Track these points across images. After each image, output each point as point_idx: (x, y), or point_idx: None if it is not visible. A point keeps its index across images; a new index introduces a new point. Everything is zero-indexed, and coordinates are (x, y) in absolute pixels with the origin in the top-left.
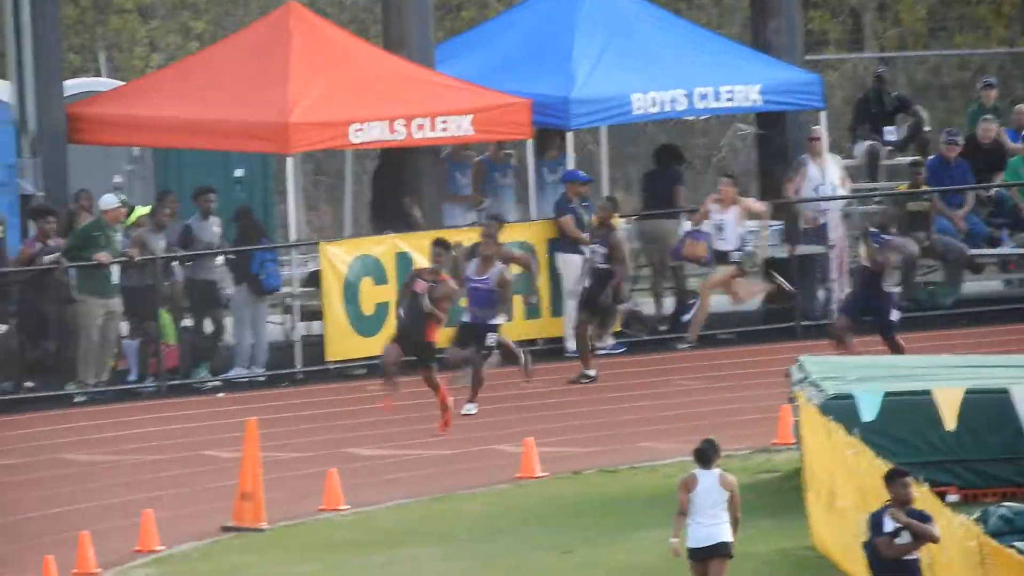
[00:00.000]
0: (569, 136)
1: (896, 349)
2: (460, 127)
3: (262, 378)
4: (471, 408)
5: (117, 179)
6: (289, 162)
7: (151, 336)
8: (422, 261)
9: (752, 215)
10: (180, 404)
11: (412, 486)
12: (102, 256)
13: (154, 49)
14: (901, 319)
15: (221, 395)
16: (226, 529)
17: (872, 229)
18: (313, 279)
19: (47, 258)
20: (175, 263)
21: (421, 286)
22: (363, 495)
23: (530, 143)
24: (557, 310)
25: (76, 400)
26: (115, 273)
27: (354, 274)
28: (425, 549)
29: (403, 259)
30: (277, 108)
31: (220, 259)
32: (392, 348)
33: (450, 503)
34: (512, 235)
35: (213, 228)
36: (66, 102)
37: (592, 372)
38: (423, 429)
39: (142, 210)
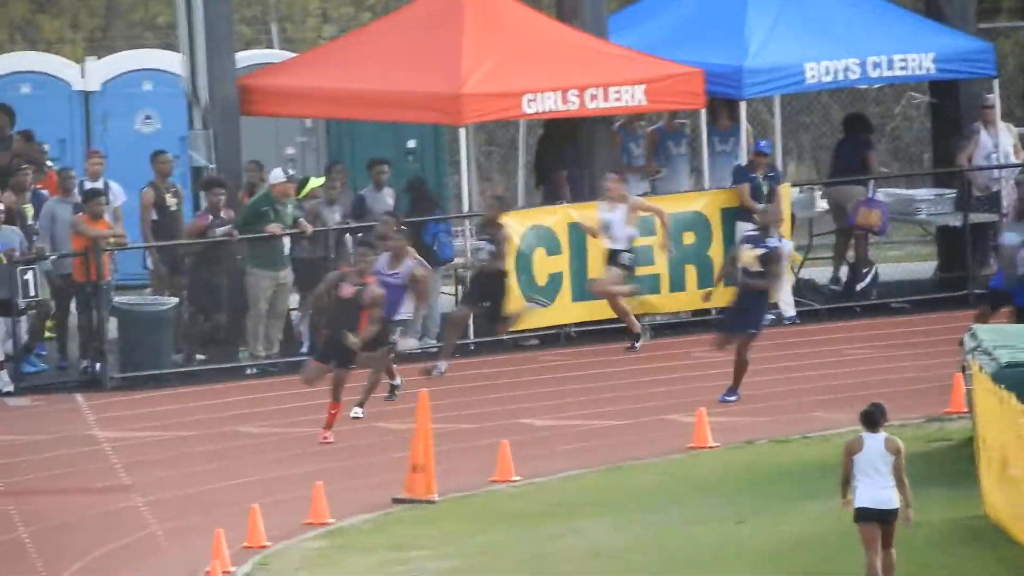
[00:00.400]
0: (742, 105)
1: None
2: (633, 97)
3: (434, 349)
4: (359, 412)
5: (289, 151)
6: (462, 133)
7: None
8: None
9: (639, 214)
10: (353, 376)
11: (584, 457)
12: (274, 228)
13: (326, 20)
14: None
15: (394, 366)
16: (397, 501)
17: (751, 232)
18: None
19: (219, 230)
20: (347, 235)
21: (348, 290)
22: (535, 466)
23: (703, 113)
24: (728, 279)
25: (248, 372)
26: (286, 245)
27: (527, 244)
28: (597, 520)
29: (575, 229)
30: (450, 79)
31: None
32: (313, 366)
33: (622, 474)
34: (685, 204)
35: (386, 199)
36: (238, 74)
37: (442, 365)
38: (594, 400)
39: (316, 182)
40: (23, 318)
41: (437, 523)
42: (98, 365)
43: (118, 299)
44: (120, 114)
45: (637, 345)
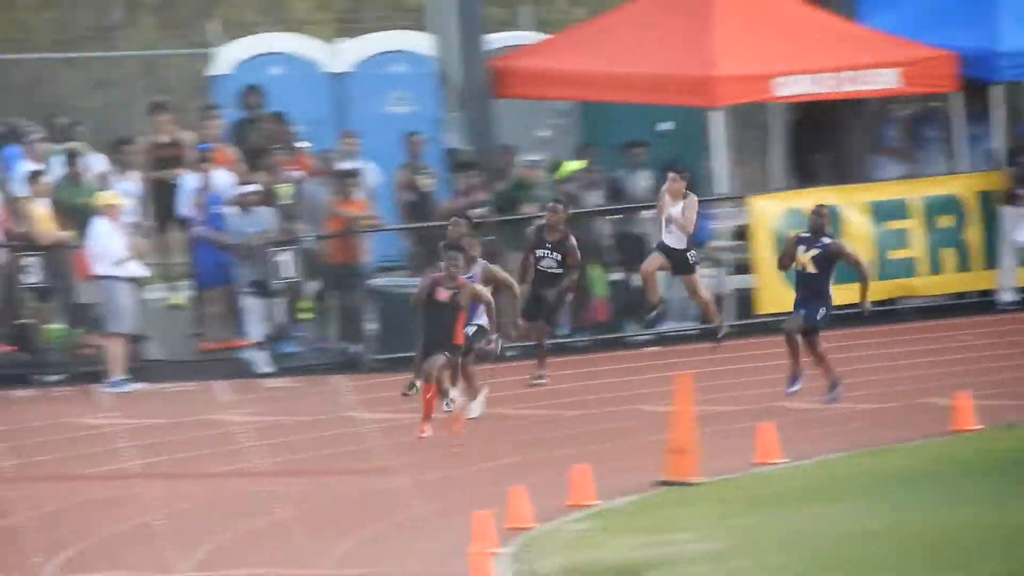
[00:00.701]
0: (996, 89)
1: (815, 351)
2: (887, 80)
3: (694, 332)
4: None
5: (543, 133)
6: (715, 115)
7: (582, 291)
8: (851, 215)
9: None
10: (611, 358)
11: (844, 439)
12: (527, 208)
13: (576, 3)
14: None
15: (652, 349)
16: (660, 483)
17: (804, 234)
18: (742, 232)
19: (472, 212)
20: (602, 217)
21: (444, 294)
22: (795, 448)
23: (956, 96)
24: (991, 262)
25: (508, 355)
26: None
27: (783, 227)
28: (859, 502)
29: (832, 213)
30: (702, 61)
31: (649, 212)
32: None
33: (883, 456)
34: (940, 188)
35: (642, 182)
36: (490, 56)
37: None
38: (851, 383)
39: (573, 165)
40: (279, 299)
41: (700, 505)
42: (356, 346)
43: (375, 281)
44: (370, 95)
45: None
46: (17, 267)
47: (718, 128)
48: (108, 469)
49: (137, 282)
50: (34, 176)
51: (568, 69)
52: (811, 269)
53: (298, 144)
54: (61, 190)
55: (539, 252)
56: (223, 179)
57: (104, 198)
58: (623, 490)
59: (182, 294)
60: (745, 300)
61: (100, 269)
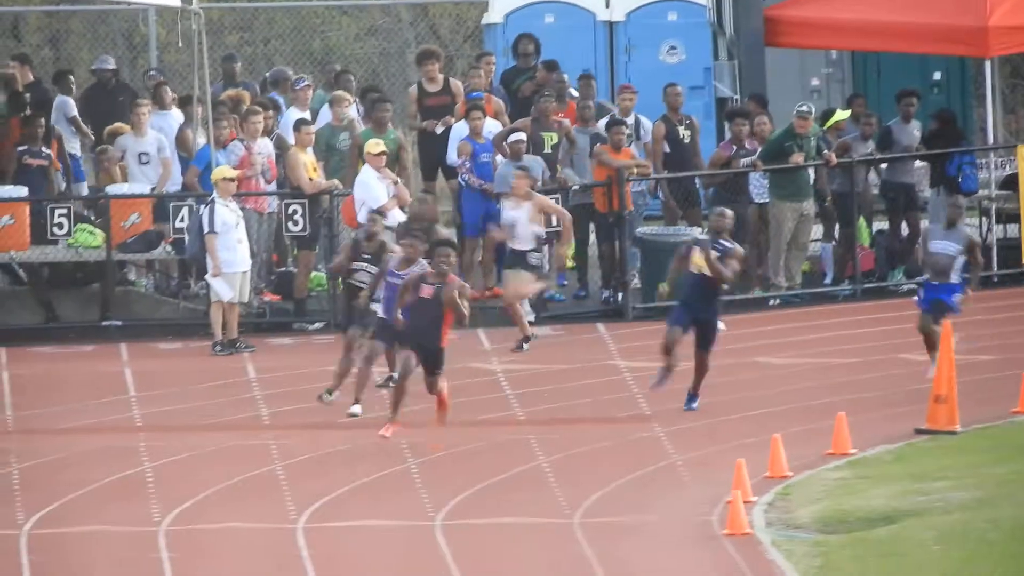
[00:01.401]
0: None
1: (702, 367)
2: None
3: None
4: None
5: (814, 82)
6: (987, 65)
7: (848, 240)
8: None
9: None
10: (875, 307)
11: None
12: (797, 157)
13: None
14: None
15: (915, 298)
16: (919, 432)
17: (703, 236)
18: (1010, 182)
19: (742, 161)
20: (872, 167)
21: (427, 290)
22: None
23: None
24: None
25: (770, 304)
26: (810, 177)
27: None
28: None
29: None
30: (975, 12)
31: (918, 162)
32: (410, 355)
33: None
34: None
35: (913, 132)
36: (764, 5)
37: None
38: None
39: (842, 114)
40: (546, 250)
41: (959, 454)
42: (620, 295)
43: (640, 230)
44: (644, 45)
45: (525, 347)
46: (283, 215)
47: (989, 78)
48: (370, 417)
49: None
50: (300, 124)
51: (840, 18)
52: (706, 272)
53: (569, 93)
54: (327, 138)
55: (355, 265)
56: (492, 128)
57: (369, 147)
58: (882, 438)
59: None
60: (1011, 250)
61: (363, 216)
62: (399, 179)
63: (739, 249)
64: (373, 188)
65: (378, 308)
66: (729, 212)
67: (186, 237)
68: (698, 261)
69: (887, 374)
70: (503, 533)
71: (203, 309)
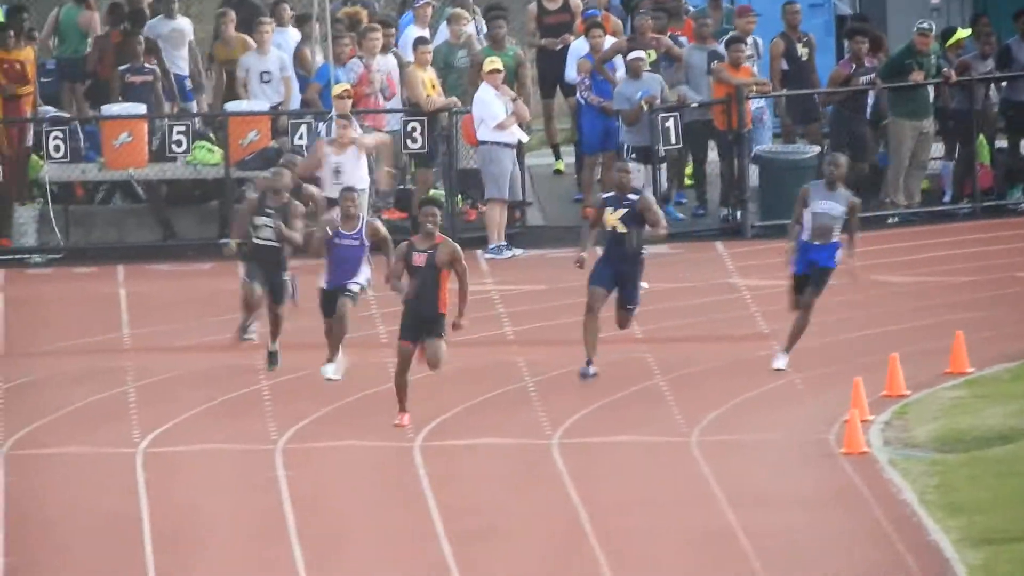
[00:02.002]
0: None
1: (625, 324)
2: None
3: None
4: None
5: (934, 1)
6: None
7: (967, 159)
8: None
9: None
10: (994, 226)
11: None
12: (917, 75)
13: None
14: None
15: None
16: None
17: (606, 195)
18: None
19: (862, 79)
20: (991, 85)
21: (420, 258)
22: None
23: None
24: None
25: (889, 222)
26: (930, 94)
27: None
28: None
29: None
30: None
31: None
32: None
33: None
34: None
35: None
36: None
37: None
38: None
39: (962, 33)
40: (663, 166)
41: None
42: (738, 213)
43: (759, 148)
44: None
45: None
46: (403, 133)
47: None
48: (484, 335)
49: (520, 148)
50: (419, 43)
51: None
52: (621, 229)
53: (687, 11)
54: (445, 56)
55: (257, 220)
56: (618, 46)
57: (488, 63)
58: (1000, 357)
59: (564, 161)
60: None
61: (483, 135)
62: (518, 96)
63: (647, 198)
64: (491, 105)
65: (320, 279)
66: (630, 166)
67: (305, 154)
68: (611, 220)
69: (1005, 292)
70: (620, 451)
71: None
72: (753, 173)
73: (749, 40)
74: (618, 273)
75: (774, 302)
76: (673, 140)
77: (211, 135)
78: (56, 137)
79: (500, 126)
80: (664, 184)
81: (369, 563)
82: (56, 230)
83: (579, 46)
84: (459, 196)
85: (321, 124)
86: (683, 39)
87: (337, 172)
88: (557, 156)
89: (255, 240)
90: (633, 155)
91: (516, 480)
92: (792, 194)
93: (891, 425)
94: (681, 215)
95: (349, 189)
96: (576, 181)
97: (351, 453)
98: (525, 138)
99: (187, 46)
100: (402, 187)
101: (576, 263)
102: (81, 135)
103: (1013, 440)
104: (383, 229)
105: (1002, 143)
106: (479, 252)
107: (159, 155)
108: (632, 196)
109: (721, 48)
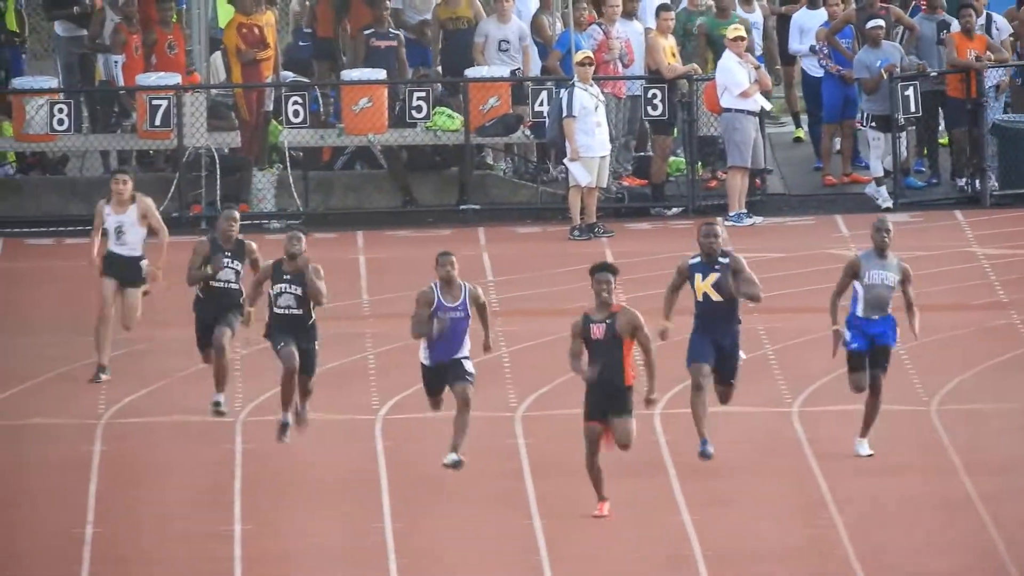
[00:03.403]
0: None
1: (727, 399)
2: None
3: None
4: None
5: None
6: None
7: None
8: None
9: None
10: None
11: None
12: None
13: None
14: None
15: None
16: None
17: (692, 260)
18: None
19: None
20: None
21: (598, 330)
22: None
23: None
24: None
25: None
26: None
27: None
28: None
29: None
30: None
31: None
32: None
33: None
34: None
35: None
36: None
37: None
38: None
39: None
40: (903, 135)
41: None
42: (977, 182)
43: (998, 116)
44: None
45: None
46: (643, 99)
47: None
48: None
49: (762, 115)
50: (661, 9)
51: None
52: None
53: None
54: (684, 22)
55: (276, 288)
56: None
57: (731, 31)
58: None
59: (805, 128)
60: None
61: (725, 102)
62: (761, 64)
63: (738, 260)
64: (735, 73)
65: (423, 353)
66: (719, 229)
67: (545, 121)
68: (701, 288)
69: None
70: (859, 419)
71: (561, 193)
72: (990, 143)
73: (982, 18)
74: (717, 346)
75: (1014, 271)
76: (912, 108)
77: (450, 101)
78: (295, 102)
79: (744, 94)
80: (903, 153)
81: (607, 536)
82: (295, 195)
83: (801, 17)
84: (699, 163)
85: (563, 90)
86: (895, 8)
87: (119, 232)
88: (797, 124)
89: (276, 311)
90: (873, 123)
91: (757, 447)
92: None
93: None
94: (921, 182)
95: (446, 253)
96: (815, 150)
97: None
98: (768, 106)
99: (432, 11)
100: (641, 153)
101: (660, 336)
102: (320, 100)
103: None
104: (482, 295)
105: None
106: (719, 219)
107: (399, 121)
108: (723, 260)
109: (950, 18)
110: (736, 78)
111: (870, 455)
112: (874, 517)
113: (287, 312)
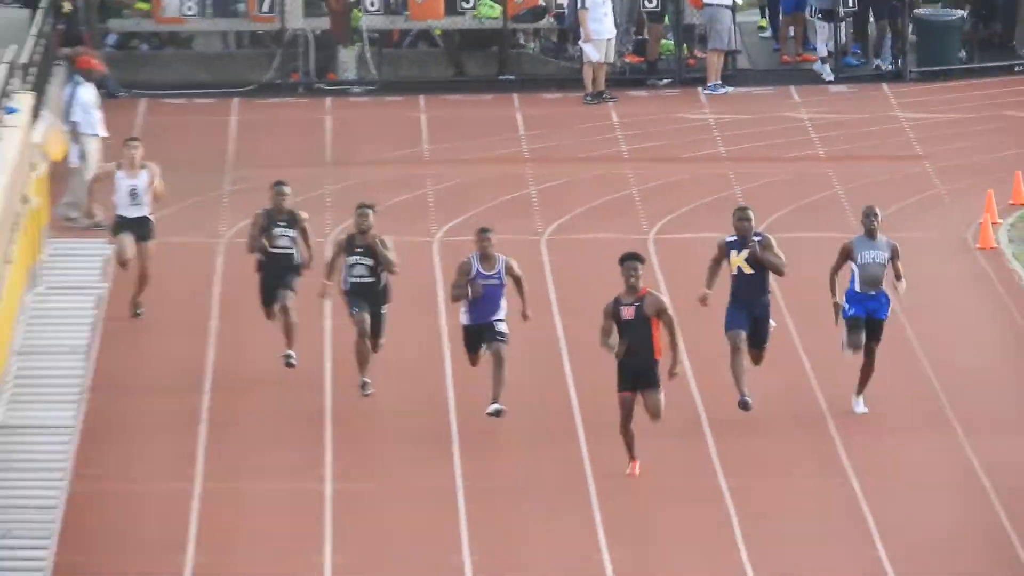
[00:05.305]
0: None
1: (759, 360)
2: None
3: None
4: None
5: None
6: None
7: None
8: None
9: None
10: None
11: None
12: None
13: None
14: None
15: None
16: None
17: (729, 239)
18: None
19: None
20: None
21: (629, 311)
22: None
23: None
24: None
25: (1016, 70)
26: None
27: None
28: None
29: None
30: None
31: None
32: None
33: None
34: None
35: None
36: None
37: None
38: None
39: None
40: (843, 24)
41: None
42: (899, 61)
43: (917, 11)
44: None
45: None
46: None
47: None
48: (702, 153)
49: (734, 8)
50: None
51: None
52: (748, 271)
53: None
54: None
55: (351, 259)
56: None
57: None
58: None
59: (766, 18)
60: None
61: None
62: None
63: (769, 239)
64: None
65: (463, 315)
66: (750, 213)
67: (565, 11)
68: (736, 262)
69: None
70: (807, 246)
71: (578, 67)
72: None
73: None
74: (751, 315)
75: (926, 131)
76: (851, 4)
77: None
78: None
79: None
80: (843, 38)
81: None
82: (372, 67)
83: None
84: (684, 45)
85: None
86: None
87: (133, 194)
88: (762, 15)
89: (351, 279)
90: (819, 15)
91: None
92: (941, 49)
93: (1015, 227)
94: (856, 61)
95: (484, 230)
96: (774, 35)
97: None
98: (740, 2)
99: None
100: (639, 37)
101: (700, 301)
102: None
103: None
104: (517, 268)
105: None
106: (700, 89)
107: (451, 9)
108: (756, 237)
109: None
110: None
111: (864, 412)
112: None
113: (360, 280)
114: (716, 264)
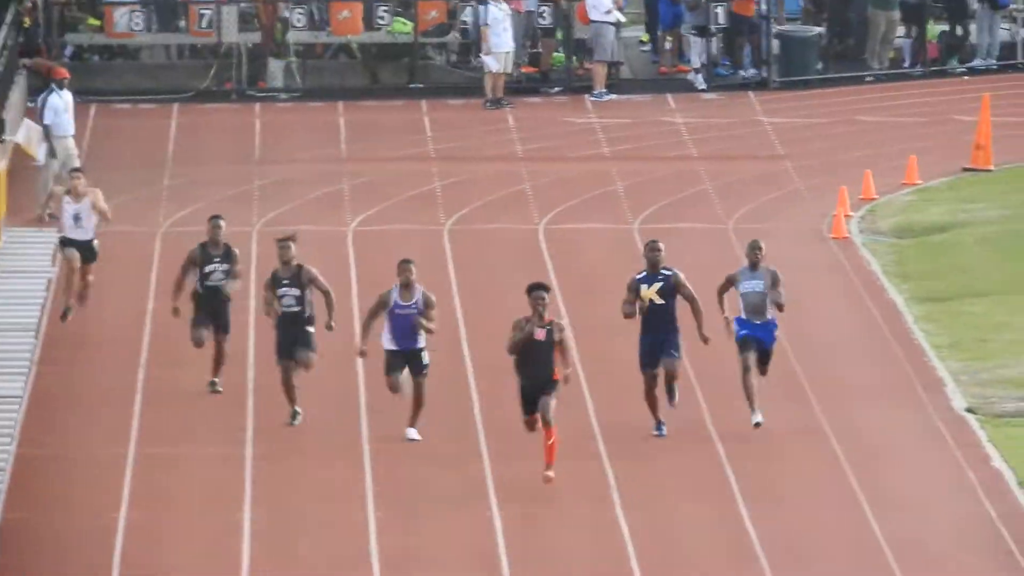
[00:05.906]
0: None
1: (673, 373)
2: None
3: (995, 66)
4: (413, 432)
5: None
6: None
7: (921, 37)
8: None
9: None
10: (938, 84)
11: None
12: None
13: None
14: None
15: (966, 78)
16: (965, 170)
17: (639, 275)
18: None
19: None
20: None
21: (541, 333)
22: None
23: None
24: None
25: (867, 80)
26: None
27: None
28: None
29: None
30: None
31: None
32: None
33: None
34: None
35: None
36: None
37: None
38: None
39: None
40: (714, 39)
41: (994, 185)
42: (763, 72)
43: (779, 28)
44: None
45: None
46: (536, 13)
47: None
48: (588, 153)
49: (617, 25)
50: None
51: None
52: (659, 301)
53: None
54: None
55: (280, 292)
56: None
57: None
58: (940, 174)
59: (646, 34)
60: None
61: (593, 16)
62: None
63: (679, 274)
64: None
65: (386, 339)
66: (660, 245)
67: (469, 28)
68: (647, 294)
69: (944, 129)
70: (681, 236)
71: (479, 77)
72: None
73: None
74: (657, 342)
75: (787, 133)
76: (721, 21)
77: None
78: (299, 11)
79: (605, 11)
80: (714, 52)
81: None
82: (297, 77)
83: None
84: (573, 57)
85: (481, 7)
86: None
87: (76, 218)
88: (647, 30)
89: (282, 309)
90: (694, 31)
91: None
92: (801, 61)
93: (864, 219)
94: (726, 72)
95: (406, 261)
96: (652, 48)
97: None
98: (623, 19)
99: None
100: (534, 50)
101: (625, 315)
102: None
103: (948, 230)
104: (433, 300)
105: (943, 26)
106: (586, 96)
107: (369, 25)
108: (665, 272)
109: None
110: (601, 1)
111: (760, 423)
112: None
113: (288, 310)
114: (630, 303)
